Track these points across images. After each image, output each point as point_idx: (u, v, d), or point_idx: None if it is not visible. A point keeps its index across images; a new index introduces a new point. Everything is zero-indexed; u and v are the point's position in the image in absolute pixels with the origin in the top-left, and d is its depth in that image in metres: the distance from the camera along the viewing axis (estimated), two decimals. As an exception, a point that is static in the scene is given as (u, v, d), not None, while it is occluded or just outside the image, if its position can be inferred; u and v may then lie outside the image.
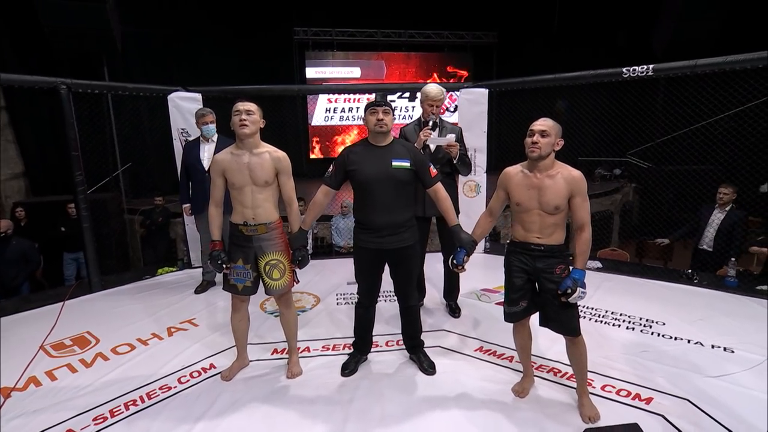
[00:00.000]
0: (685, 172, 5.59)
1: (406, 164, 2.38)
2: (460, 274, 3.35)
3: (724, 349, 2.74)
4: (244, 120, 2.31)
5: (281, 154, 2.44)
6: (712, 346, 2.77)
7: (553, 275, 2.12)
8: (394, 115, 2.45)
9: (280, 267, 2.46)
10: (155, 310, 3.57)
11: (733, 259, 3.69)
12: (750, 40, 4.48)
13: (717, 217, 4.30)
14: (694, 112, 5.55)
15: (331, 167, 2.49)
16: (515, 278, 2.22)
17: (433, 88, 3.14)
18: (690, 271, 3.82)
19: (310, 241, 5.88)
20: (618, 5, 8.54)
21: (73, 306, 3.70)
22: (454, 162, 3.11)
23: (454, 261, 2.36)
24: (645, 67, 3.51)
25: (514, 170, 2.21)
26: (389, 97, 11.18)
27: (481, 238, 2.44)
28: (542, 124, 2.09)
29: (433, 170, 2.47)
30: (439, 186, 2.47)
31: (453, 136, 3.07)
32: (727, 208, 4.27)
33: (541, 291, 2.20)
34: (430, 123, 3.11)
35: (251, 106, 2.35)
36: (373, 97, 11.34)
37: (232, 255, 2.46)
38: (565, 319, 2.14)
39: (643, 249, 5.06)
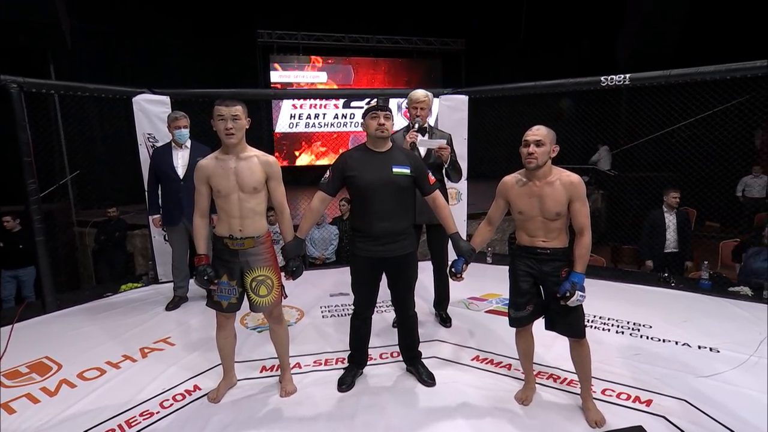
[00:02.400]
0: (647, 179, 5.85)
1: (407, 171, 2.32)
2: (449, 283, 3.33)
3: (710, 349, 2.82)
4: (231, 129, 2.14)
5: (271, 158, 2.30)
6: (699, 347, 2.85)
7: (560, 278, 2.12)
8: (393, 121, 2.38)
9: (267, 283, 2.30)
10: (124, 329, 3.28)
11: (706, 262, 3.86)
12: (706, 51, 4.76)
13: (671, 220, 4.54)
14: (654, 121, 5.83)
15: (328, 173, 2.38)
16: (522, 282, 2.20)
17: (418, 91, 3.14)
18: (666, 274, 3.95)
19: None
20: (582, 15, 8.90)
21: (25, 329, 3.34)
22: (445, 166, 3.06)
23: (453, 270, 2.31)
24: (622, 76, 3.64)
25: (513, 179, 2.21)
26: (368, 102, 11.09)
27: (480, 247, 2.41)
28: (537, 133, 2.08)
29: (432, 177, 2.42)
30: (438, 193, 2.42)
31: (443, 141, 3.03)
32: (675, 210, 4.54)
33: (547, 295, 2.20)
34: (416, 126, 3.06)
35: (237, 110, 2.16)
36: (339, 102, 11.20)
37: (216, 270, 2.28)
38: (572, 322, 2.15)
39: (619, 254, 5.23)
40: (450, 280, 3.25)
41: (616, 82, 3.65)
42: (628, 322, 3.23)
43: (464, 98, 4.40)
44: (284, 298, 2.43)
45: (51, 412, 2.32)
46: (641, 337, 3.03)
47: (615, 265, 5.22)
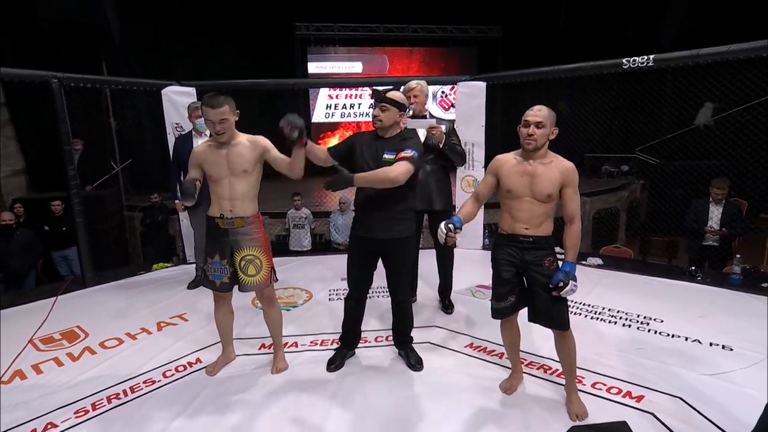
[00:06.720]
0: (693, 168, 5.44)
1: (392, 157, 2.33)
2: (455, 272, 3.32)
3: (723, 347, 2.65)
4: (220, 130, 2.26)
5: (259, 137, 2.39)
6: (710, 344, 2.69)
7: (542, 267, 2.07)
8: (394, 112, 2.37)
9: (256, 263, 2.40)
10: (147, 305, 3.56)
11: (738, 255, 3.58)
12: (764, 27, 4.31)
13: (714, 212, 4.21)
14: (701, 106, 5.41)
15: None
16: (503, 272, 2.16)
17: (411, 81, 3.14)
18: (693, 268, 3.71)
19: (309, 237, 5.84)
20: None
21: (66, 301, 3.70)
22: (440, 147, 3.00)
23: (450, 225, 2.09)
24: (646, 57, 3.42)
25: (507, 157, 2.17)
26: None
27: (466, 220, 2.22)
28: (538, 114, 2.03)
29: (405, 153, 2.26)
30: (394, 166, 2.23)
31: (443, 126, 3.01)
32: (724, 201, 4.20)
33: (530, 284, 2.14)
34: (410, 111, 3.03)
35: (222, 113, 2.21)
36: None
37: (209, 250, 2.42)
38: (555, 313, 2.08)
39: (647, 246, 4.94)
40: (451, 269, 3.27)
41: (639, 64, 3.44)
42: (638, 316, 3.08)
43: (482, 85, 4.31)
44: (274, 281, 2.53)
45: (70, 374, 2.58)
46: (649, 331, 2.89)
47: (643, 258, 4.93)
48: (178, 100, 4.25)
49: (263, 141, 2.37)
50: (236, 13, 9.60)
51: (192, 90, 4.30)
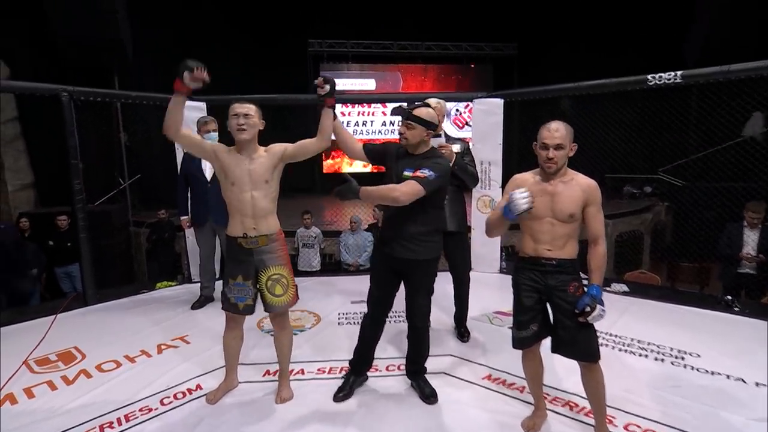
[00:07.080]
0: (726, 190, 5.18)
1: (410, 174, 2.19)
2: (471, 296, 3.13)
3: (771, 387, 2.41)
4: (242, 125, 2.18)
5: (272, 145, 2.32)
6: (757, 384, 2.44)
7: (567, 294, 1.91)
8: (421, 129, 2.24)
9: (282, 282, 2.30)
10: (148, 325, 3.41)
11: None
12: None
13: (751, 236, 3.96)
14: (732, 124, 5.18)
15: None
16: (525, 298, 2.01)
17: (431, 98, 3.01)
18: (729, 297, 3.46)
19: (318, 257, 5.69)
20: (647, 12, 8.15)
21: (66, 319, 3.56)
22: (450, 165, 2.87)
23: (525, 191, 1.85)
24: (672, 73, 3.26)
25: (525, 176, 2.05)
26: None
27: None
28: (556, 136, 1.90)
29: (420, 173, 2.13)
30: (405, 184, 2.12)
31: (457, 146, 2.90)
32: (760, 226, 3.96)
33: (554, 311, 1.98)
34: None
35: (249, 109, 2.21)
36: (387, 109, 11.16)
37: (231, 272, 2.31)
38: (582, 342, 1.91)
39: (676, 272, 4.68)
40: (467, 295, 3.11)
41: (666, 81, 3.28)
42: (671, 349, 2.85)
43: (499, 102, 4.18)
44: (296, 300, 2.41)
45: (63, 400, 2.43)
46: (685, 366, 2.66)
47: (672, 285, 4.66)
48: (187, 114, 4.06)
49: (277, 147, 2.31)
50: (249, 29, 9.71)
51: (202, 105, 4.24)
